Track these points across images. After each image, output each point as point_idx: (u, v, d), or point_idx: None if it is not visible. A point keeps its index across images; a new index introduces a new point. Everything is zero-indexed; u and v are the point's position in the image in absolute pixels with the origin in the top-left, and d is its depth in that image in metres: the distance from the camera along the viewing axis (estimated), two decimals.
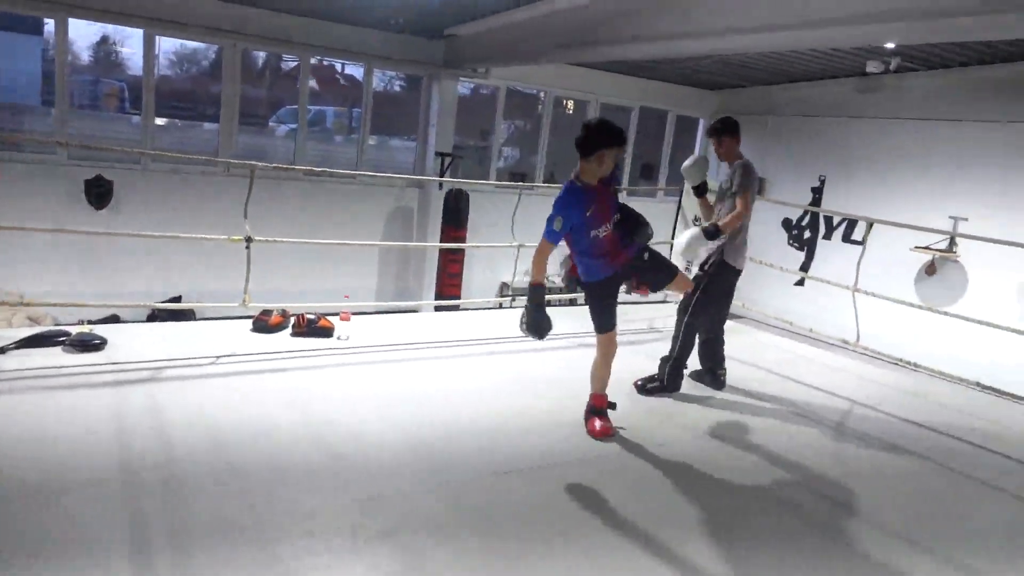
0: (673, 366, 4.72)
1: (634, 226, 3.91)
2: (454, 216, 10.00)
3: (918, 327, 7.16)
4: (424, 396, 4.25)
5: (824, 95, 10.53)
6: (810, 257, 10.77)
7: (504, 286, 11.05)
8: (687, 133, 12.47)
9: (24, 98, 8.80)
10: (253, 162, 4.56)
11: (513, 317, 6.57)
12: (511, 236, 6.68)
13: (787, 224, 11.00)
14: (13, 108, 9.11)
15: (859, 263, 5.56)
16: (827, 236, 10.61)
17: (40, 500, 2.77)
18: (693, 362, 4.87)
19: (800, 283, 9.95)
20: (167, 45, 10.01)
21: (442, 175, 10.13)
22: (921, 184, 9.40)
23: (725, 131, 4.68)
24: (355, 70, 10.77)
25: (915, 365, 5.46)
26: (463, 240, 10.00)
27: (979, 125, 8.90)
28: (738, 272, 4.75)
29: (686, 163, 4.94)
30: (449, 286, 10.27)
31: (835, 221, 10.36)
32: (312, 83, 10.77)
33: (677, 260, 5.07)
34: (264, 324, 5.02)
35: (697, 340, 4.83)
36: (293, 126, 10.87)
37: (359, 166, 10.04)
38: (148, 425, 3.47)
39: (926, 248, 8.94)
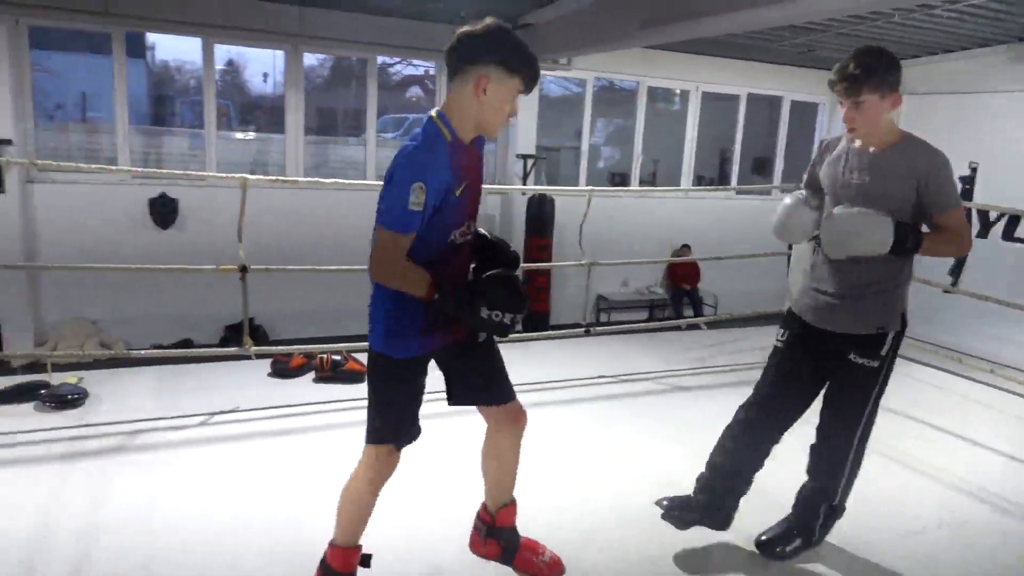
0: (834, 509, 2.83)
1: (501, 258, 2.27)
2: (537, 224, 9.06)
3: None
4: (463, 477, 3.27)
5: (973, 67, 8.83)
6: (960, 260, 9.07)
7: (601, 299, 10.00)
8: (804, 121, 10.94)
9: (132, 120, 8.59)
10: (244, 175, 3.78)
11: (601, 345, 5.65)
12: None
13: None
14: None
15: None
16: (982, 234, 8.90)
17: None
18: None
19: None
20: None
21: (524, 179, 9.20)
22: None
23: (868, 77, 2.39)
24: None
25: None
26: (547, 249, 9.04)
27: None
28: None
29: (780, 217, 2.77)
30: (536, 301, 9.35)
31: (992, 216, 8.64)
32: (416, 90, 10.40)
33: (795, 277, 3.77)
34: (284, 367, 4.24)
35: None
36: (393, 135, 10.29)
37: None
38: (72, 539, 2.65)
39: None
